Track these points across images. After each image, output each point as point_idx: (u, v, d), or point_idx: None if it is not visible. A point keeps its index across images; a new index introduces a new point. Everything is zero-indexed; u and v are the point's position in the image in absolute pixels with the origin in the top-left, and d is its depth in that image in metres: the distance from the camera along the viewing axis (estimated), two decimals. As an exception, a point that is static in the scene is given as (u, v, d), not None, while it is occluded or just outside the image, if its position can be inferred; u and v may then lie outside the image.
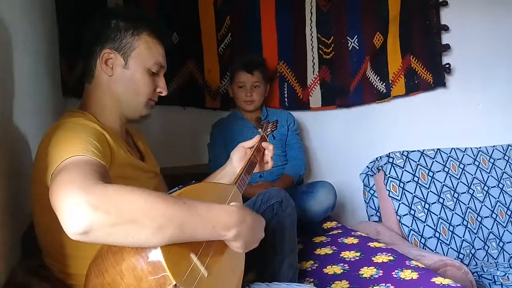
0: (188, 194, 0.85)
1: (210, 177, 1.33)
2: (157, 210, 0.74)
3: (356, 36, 2.29)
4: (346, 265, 1.50)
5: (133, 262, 0.73)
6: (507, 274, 1.99)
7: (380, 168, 2.22)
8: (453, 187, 2.25)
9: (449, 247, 2.13)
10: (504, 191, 2.33)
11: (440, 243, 2.12)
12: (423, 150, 2.29)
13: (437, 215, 2.16)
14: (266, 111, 2.11)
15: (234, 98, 2.07)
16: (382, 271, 1.42)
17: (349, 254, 1.56)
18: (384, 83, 2.36)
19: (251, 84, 2.01)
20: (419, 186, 2.18)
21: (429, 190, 2.19)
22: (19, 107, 1.09)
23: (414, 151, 2.27)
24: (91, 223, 0.70)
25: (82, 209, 0.70)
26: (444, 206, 2.19)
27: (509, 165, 2.40)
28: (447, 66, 2.44)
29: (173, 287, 0.71)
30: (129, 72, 1.08)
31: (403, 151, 2.25)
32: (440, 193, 2.21)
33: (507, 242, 2.24)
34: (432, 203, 2.18)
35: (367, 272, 1.43)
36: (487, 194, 2.30)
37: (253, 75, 2.01)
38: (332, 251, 1.62)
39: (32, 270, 0.97)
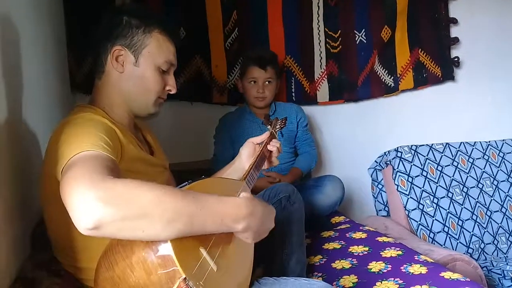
0: (198, 189, 0.85)
1: (218, 172, 1.33)
2: (166, 204, 0.74)
3: (363, 29, 2.27)
4: (355, 259, 1.49)
5: (143, 255, 0.73)
6: (517, 269, 1.98)
7: (389, 162, 2.21)
8: (462, 182, 2.23)
9: (458, 241, 2.12)
10: (514, 185, 2.31)
11: (449, 237, 2.11)
12: (432, 144, 2.28)
13: (446, 210, 2.14)
14: (274, 106, 2.07)
15: (245, 94, 2.03)
16: (390, 266, 1.41)
17: (357, 249, 1.56)
18: (392, 77, 2.34)
19: (263, 80, 1.97)
20: (428, 181, 2.17)
21: (437, 185, 2.18)
22: (28, 104, 1.10)
23: (423, 145, 2.26)
24: (101, 218, 0.70)
25: (92, 204, 0.70)
26: (453, 201, 2.17)
27: (519, 159, 2.38)
28: (456, 59, 2.41)
29: (182, 281, 0.72)
30: (139, 69, 1.08)
31: (412, 146, 2.23)
32: (449, 187, 2.19)
33: (516, 237, 2.23)
34: (441, 198, 2.16)
35: (375, 266, 1.43)
36: (497, 188, 2.29)
37: (266, 71, 1.96)
38: (340, 245, 1.62)
39: (42, 264, 0.98)
